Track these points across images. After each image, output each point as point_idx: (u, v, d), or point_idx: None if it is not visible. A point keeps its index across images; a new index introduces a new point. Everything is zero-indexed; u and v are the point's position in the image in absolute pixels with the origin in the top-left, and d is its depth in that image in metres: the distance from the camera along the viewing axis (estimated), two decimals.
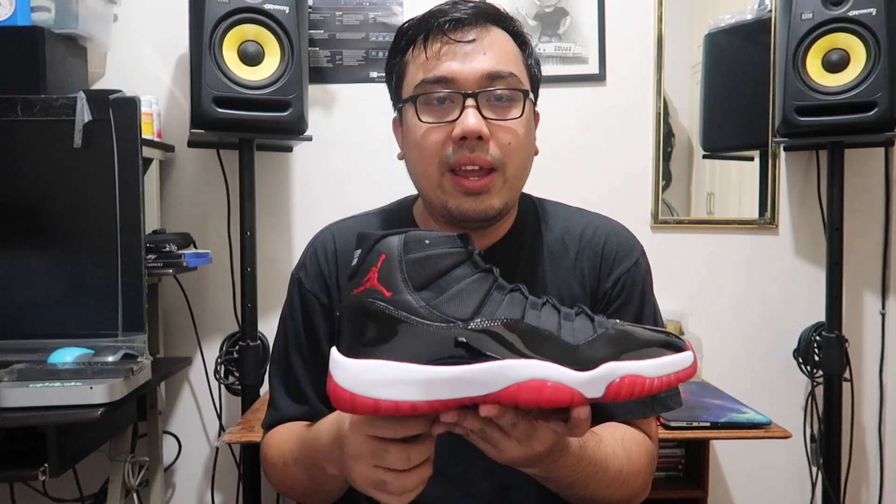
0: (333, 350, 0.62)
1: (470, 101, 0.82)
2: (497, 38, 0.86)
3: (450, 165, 0.83)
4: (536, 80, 0.92)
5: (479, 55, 0.84)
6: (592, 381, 0.59)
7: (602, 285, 0.92)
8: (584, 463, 0.75)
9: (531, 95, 0.88)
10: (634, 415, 0.89)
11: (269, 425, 0.96)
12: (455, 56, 0.83)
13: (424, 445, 0.65)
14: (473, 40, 0.84)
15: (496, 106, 0.84)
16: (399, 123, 0.92)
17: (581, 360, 0.59)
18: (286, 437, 0.89)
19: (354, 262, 0.62)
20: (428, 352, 0.58)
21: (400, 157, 0.93)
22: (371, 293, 0.60)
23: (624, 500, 0.85)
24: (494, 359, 0.58)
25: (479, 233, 0.90)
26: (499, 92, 0.84)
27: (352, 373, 0.59)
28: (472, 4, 0.86)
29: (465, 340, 0.58)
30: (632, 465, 0.84)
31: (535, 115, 0.94)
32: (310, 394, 0.92)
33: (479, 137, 0.81)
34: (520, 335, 0.59)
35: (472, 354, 0.58)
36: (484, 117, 0.82)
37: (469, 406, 0.60)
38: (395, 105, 0.93)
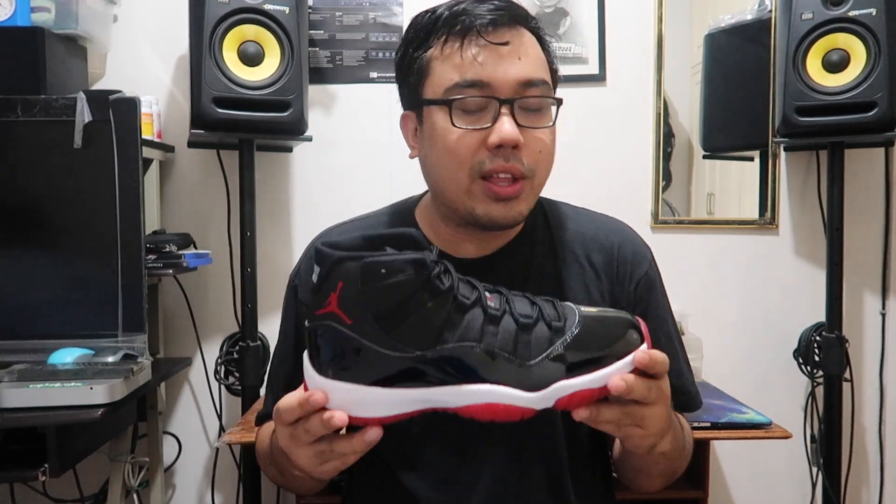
0: (307, 362, 0.65)
1: (505, 109, 0.81)
2: (528, 42, 0.85)
3: (483, 172, 0.81)
4: (556, 83, 0.91)
5: (514, 60, 0.82)
6: (542, 399, 0.63)
7: (623, 290, 0.92)
8: (675, 441, 0.81)
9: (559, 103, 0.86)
10: None
11: (257, 420, 0.98)
12: (491, 60, 0.81)
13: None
14: (507, 43, 0.82)
15: (529, 114, 0.83)
16: (417, 122, 0.88)
17: (533, 380, 0.63)
18: (266, 435, 0.90)
19: (315, 277, 0.63)
20: (391, 378, 0.62)
21: (412, 157, 0.90)
22: (334, 317, 0.62)
23: (674, 477, 0.92)
24: (452, 384, 0.63)
25: (490, 235, 0.89)
26: (533, 101, 0.83)
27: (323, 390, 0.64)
28: (497, 4, 0.84)
29: (424, 369, 0.62)
30: (689, 444, 0.92)
31: None
32: None
33: (515, 146, 0.81)
34: (475, 360, 0.62)
35: (430, 380, 0.62)
36: (518, 125, 0.81)
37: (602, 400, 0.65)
38: (411, 103, 0.89)
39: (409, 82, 0.87)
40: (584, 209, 0.99)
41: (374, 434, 0.63)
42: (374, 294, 0.61)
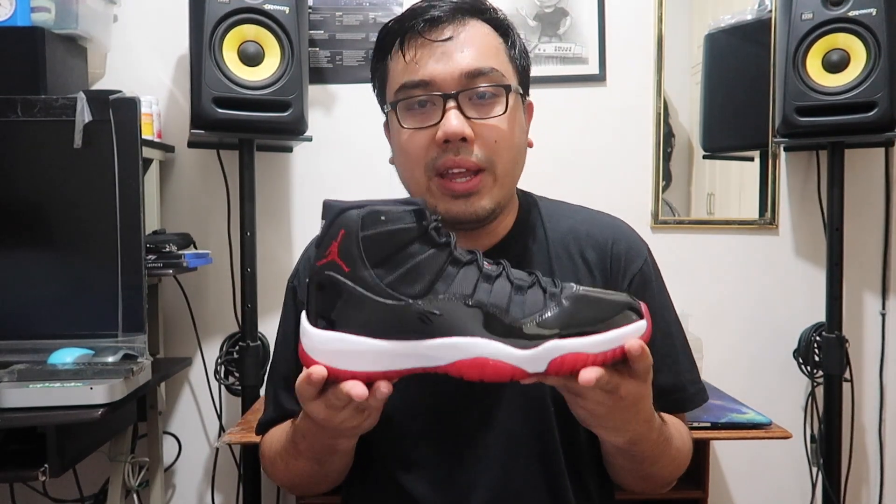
0: (303, 315, 0.65)
1: (451, 103, 0.81)
2: (476, 33, 0.84)
3: (436, 170, 0.82)
4: (524, 71, 0.90)
5: (457, 53, 0.82)
6: (534, 358, 0.62)
7: (616, 287, 0.90)
8: (661, 439, 0.80)
9: (515, 88, 0.85)
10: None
11: (258, 428, 0.97)
12: (432, 57, 0.82)
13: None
14: (450, 38, 0.82)
15: (479, 104, 0.82)
16: (387, 128, 0.92)
17: (525, 337, 0.62)
18: (280, 435, 0.89)
19: (320, 231, 0.65)
20: (383, 326, 0.62)
21: (391, 162, 0.92)
22: (332, 266, 0.62)
23: (672, 479, 0.90)
24: (443, 335, 0.61)
25: (478, 233, 0.89)
26: (480, 89, 0.82)
27: (316, 341, 0.63)
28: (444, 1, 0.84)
29: (416, 317, 0.61)
30: (683, 445, 0.89)
31: (529, 107, 0.92)
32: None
33: (463, 139, 0.80)
34: (468, 312, 0.62)
35: (422, 330, 0.61)
36: (467, 117, 0.81)
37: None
38: (382, 109, 0.92)
39: (377, 91, 0.91)
40: (581, 207, 0.99)
41: (384, 389, 0.62)
42: (372, 241, 0.62)
